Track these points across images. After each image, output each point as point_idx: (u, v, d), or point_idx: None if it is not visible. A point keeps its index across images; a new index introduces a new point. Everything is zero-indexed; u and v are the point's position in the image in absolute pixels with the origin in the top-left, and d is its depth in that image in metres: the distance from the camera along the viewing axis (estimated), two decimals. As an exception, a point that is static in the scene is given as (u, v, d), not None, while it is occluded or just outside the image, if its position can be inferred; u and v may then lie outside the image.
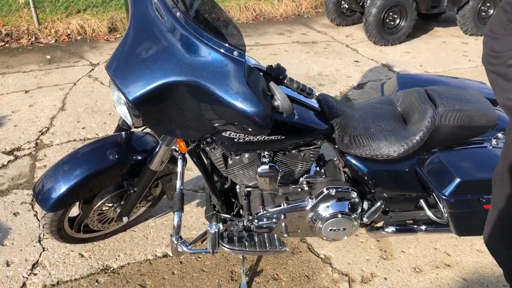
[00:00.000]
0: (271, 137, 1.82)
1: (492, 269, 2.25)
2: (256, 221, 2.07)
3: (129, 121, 1.74)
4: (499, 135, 2.05)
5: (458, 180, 1.84)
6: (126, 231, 2.44)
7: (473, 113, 1.95)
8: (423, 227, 2.20)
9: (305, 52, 5.27)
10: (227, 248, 2.01)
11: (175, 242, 1.90)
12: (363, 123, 2.04)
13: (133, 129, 2.14)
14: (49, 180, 1.96)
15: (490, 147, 2.02)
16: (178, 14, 1.55)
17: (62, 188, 1.92)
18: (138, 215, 2.41)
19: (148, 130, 2.13)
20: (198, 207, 2.64)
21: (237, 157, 1.97)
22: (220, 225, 1.93)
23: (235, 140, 1.78)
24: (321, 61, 5.01)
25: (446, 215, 1.99)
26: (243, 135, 1.77)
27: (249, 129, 1.61)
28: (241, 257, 2.17)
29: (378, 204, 2.09)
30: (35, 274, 2.18)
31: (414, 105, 2.03)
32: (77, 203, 2.09)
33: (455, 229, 2.00)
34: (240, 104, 1.51)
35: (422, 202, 2.14)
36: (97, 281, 2.15)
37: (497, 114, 2.06)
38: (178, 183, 1.93)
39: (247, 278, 2.17)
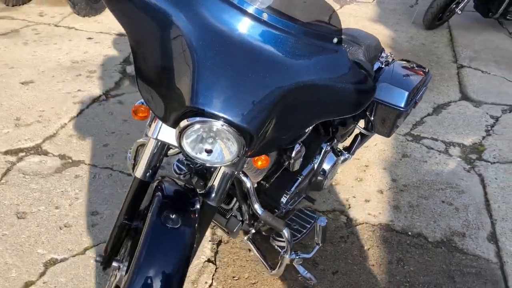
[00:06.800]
0: None
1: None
2: (287, 206, 2.06)
3: (218, 161, 1.40)
4: (383, 54, 2.68)
5: (406, 93, 2.38)
6: None
7: (374, 43, 2.49)
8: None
9: (20, 44, 4.39)
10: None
11: (296, 257, 1.77)
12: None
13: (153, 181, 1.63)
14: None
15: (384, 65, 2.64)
16: (263, 14, 1.35)
17: None
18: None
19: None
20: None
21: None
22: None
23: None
24: (53, 48, 4.35)
25: (377, 125, 2.49)
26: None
27: (352, 109, 1.64)
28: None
29: (360, 138, 2.45)
30: None
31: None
32: None
33: (389, 133, 2.56)
34: (355, 87, 1.55)
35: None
36: None
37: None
38: (257, 205, 1.72)
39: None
